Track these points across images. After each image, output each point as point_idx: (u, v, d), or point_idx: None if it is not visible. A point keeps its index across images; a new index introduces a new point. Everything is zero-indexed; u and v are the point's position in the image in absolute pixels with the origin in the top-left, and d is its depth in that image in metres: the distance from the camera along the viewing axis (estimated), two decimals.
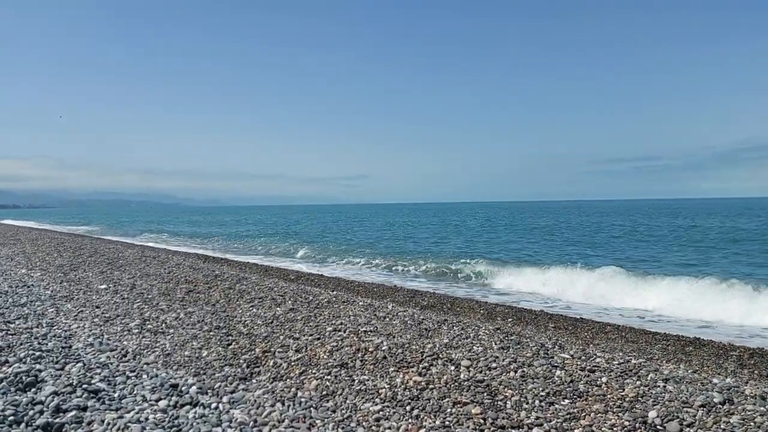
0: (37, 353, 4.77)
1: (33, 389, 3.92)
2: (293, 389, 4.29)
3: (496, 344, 5.37)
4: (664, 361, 6.09)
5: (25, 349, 4.86)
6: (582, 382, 4.30)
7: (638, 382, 4.26)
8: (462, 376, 4.42)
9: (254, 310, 7.17)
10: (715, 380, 4.40)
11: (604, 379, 4.34)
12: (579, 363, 4.76)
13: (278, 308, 7.22)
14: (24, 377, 4.07)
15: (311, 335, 5.71)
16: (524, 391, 4.12)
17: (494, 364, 4.67)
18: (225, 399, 4.07)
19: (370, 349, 5.11)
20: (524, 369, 4.56)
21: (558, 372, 4.50)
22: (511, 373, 4.47)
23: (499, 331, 6.15)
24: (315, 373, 4.60)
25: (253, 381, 4.52)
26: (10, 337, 5.35)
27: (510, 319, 9.48)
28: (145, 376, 4.46)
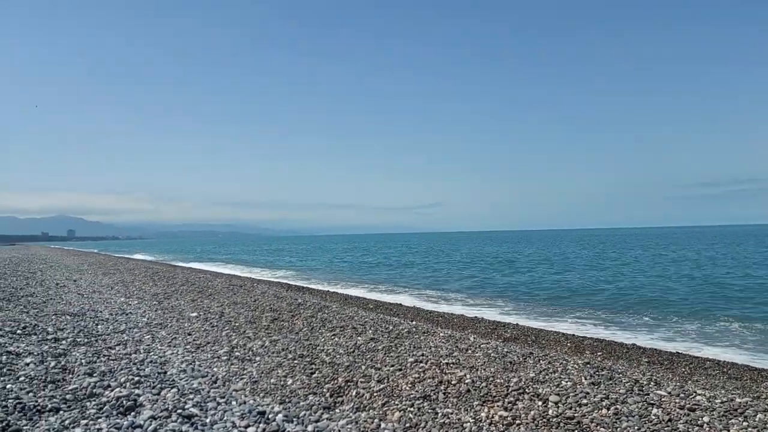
0: (136, 378, 5.04)
1: (132, 413, 4.13)
2: (376, 420, 4.28)
3: (586, 379, 5.14)
4: None
5: (125, 374, 5.15)
6: (681, 421, 4.02)
7: (744, 423, 3.93)
8: (550, 412, 4.25)
9: (336, 338, 7.26)
10: None
11: (705, 419, 4.04)
12: (677, 401, 4.46)
13: (359, 337, 7.27)
14: (124, 401, 4.30)
15: (393, 366, 5.69)
16: (618, 429, 3.90)
17: (585, 401, 4.46)
18: (310, 428, 4.12)
19: (453, 382, 5.03)
20: (617, 406, 4.32)
21: (654, 410, 4.23)
22: (604, 411, 4.24)
23: (588, 365, 5.88)
24: (398, 405, 4.57)
25: (337, 410, 4.55)
26: (112, 362, 5.69)
27: (600, 353, 9.05)
28: (234, 403, 4.60)
